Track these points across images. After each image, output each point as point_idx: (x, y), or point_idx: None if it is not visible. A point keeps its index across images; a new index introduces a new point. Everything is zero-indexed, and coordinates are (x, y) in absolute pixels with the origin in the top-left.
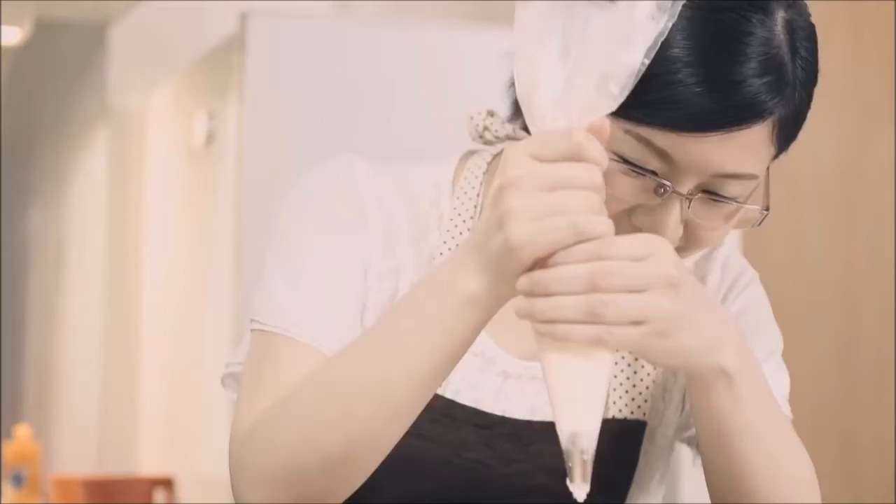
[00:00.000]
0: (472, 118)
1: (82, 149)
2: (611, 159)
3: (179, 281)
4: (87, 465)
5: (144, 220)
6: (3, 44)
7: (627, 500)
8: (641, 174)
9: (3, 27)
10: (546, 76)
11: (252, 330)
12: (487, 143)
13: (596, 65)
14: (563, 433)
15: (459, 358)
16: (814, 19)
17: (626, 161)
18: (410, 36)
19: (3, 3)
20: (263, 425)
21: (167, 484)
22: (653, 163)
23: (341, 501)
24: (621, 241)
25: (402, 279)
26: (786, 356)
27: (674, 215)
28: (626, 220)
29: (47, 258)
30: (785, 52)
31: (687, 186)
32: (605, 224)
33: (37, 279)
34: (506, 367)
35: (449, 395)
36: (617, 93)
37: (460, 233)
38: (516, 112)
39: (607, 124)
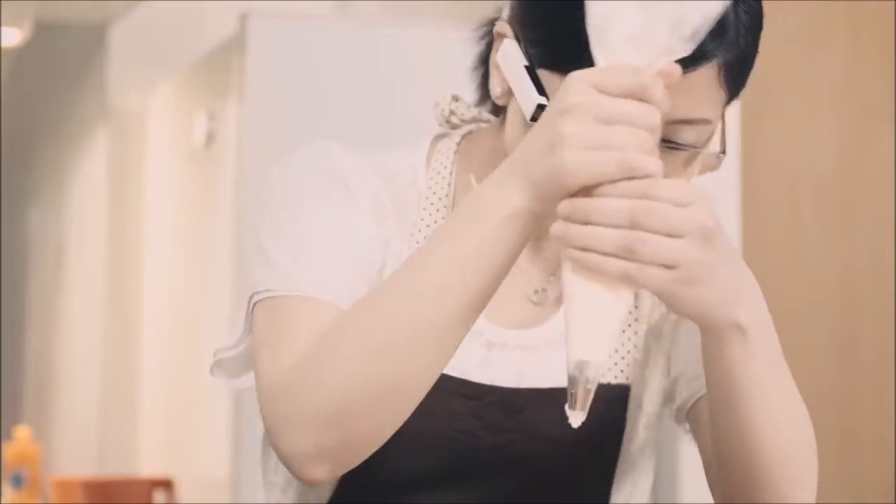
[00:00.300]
0: (437, 104)
1: (82, 149)
2: None
3: (179, 282)
4: (87, 466)
5: (144, 221)
6: (3, 45)
7: (617, 470)
8: None
9: (2, 28)
10: (622, 12)
11: (255, 302)
12: (454, 126)
13: (674, 8)
14: (571, 360)
15: (501, 280)
16: (813, 19)
17: None
18: (410, 36)
19: (2, 4)
20: (305, 369)
21: (167, 485)
22: None
23: (383, 442)
24: (667, 185)
25: (389, 252)
26: (785, 356)
27: None
28: None
29: (47, 258)
30: None
31: None
32: (655, 164)
33: (36, 279)
34: (490, 337)
35: None
36: (689, 37)
37: (437, 210)
38: (483, 96)
39: (678, 70)
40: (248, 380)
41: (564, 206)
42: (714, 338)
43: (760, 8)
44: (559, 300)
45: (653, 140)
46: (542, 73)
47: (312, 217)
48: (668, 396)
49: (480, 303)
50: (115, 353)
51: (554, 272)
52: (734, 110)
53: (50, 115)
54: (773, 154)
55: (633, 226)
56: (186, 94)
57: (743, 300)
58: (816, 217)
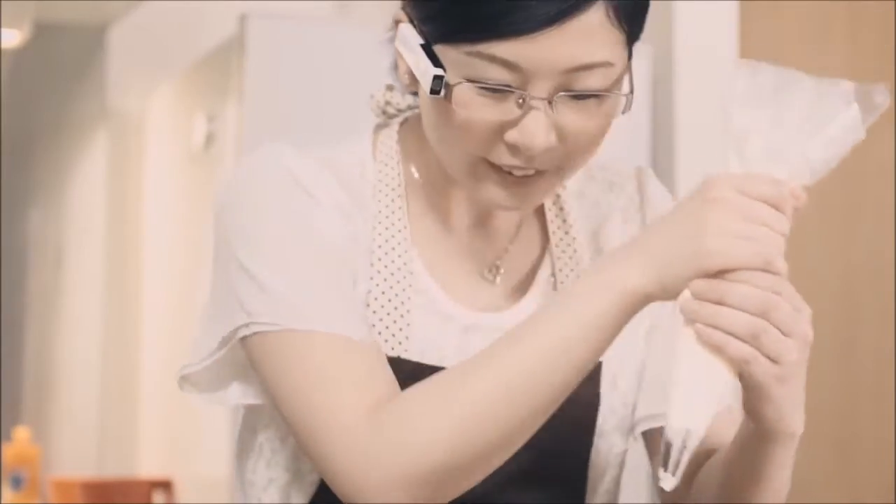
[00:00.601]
0: (372, 96)
1: (82, 150)
2: (465, 83)
3: (179, 283)
4: (87, 467)
5: (144, 222)
6: (3, 46)
7: (592, 452)
8: (497, 90)
9: (2, 29)
10: (763, 128)
11: (255, 332)
12: (390, 116)
13: (807, 139)
14: (674, 427)
15: (605, 350)
16: (812, 19)
17: (477, 81)
18: None
19: (2, 5)
20: (403, 424)
21: (166, 486)
22: (503, 76)
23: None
24: (790, 287)
25: (358, 250)
26: None
27: (541, 122)
28: (499, 140)
29: (47, 259)
30: None
31: (544, 90)
32: (784, 265)
33: (36, 280)
34: (465, 322)
35: (415, 357)
36: (816, 171)
37: (392, 200)
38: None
39: (804, 196)
40: (225, 397)
41: (699, 285)
42: (772, 440)
43: None
44: (509, 275)
45: (784, 244)
46: (438, 48)
47: (292, 236)
48: (642, 399)
49: (584, 371)
50: (115, 353)
51: (505, 249)
52: None
53: (49, 117)
54: None
55: (762, 315)
56: (186, 95)
57: (802, 412)
58: (816, 217)
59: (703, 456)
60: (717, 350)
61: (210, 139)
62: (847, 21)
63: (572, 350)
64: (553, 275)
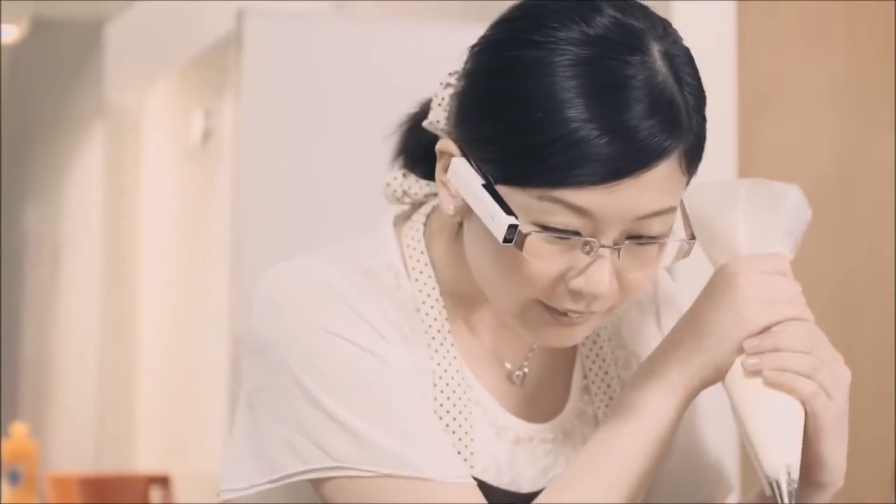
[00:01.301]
0: (388, 184)
1: (79, 147)
2: (532, 230)
3: (176, 279)
4: (84, 463)
5: (141, 219)
6: (1, 42)
7: None
8: (565, 237)
9: (1, 25)
10: (744, 223)
11: (353, 477)
12: (405, 205)
13: (782, 221)
14: (775, 466)
15: (671, 440)
16: (811, 19)
17: (547, 228)
18: (406, 34)
19: (1, 1)
20: None
21: (163, 482)
22: (573, 223)
23: None
24: (823, 334)
25: (423, 372)
26: None
27: (606, 269)
28: (563, 286)
29: (44, 256)
30: (671, 84)
31: (612, 237)
32: (811, 315)
33: (33, 277)
34: (517, 433)
35: (478, 474)
36: (795, 246)
37: (438, 312)
38: (415, 173)
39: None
40: None
41: (752, 341)
42: (820, 495)
43: (701, 84)
44: (537, 378)
45: (804, 303)
46: (501, 189)
47: (369, 375)
48: None
49: (657, 466)
50: (112, 350)
51: (530, 351)
52: (732, 111)
53: (47, 112)
54: (772, 155)
55: (812, 352)
56: (183, 91)
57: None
58: (815, 218)
59: None
60: (789, 389)
61: (207, 135)
62: (846, 21)
63: (648, 454)
64: (585, 377)
